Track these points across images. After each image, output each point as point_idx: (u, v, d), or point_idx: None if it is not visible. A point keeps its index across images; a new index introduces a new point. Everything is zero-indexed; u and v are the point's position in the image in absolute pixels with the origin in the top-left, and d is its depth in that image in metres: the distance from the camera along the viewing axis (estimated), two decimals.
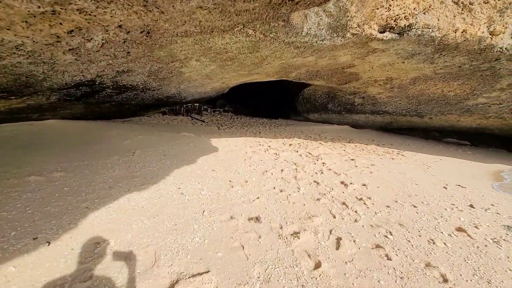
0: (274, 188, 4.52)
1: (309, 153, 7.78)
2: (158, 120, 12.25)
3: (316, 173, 5.75)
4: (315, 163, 6.62)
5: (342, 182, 5.29)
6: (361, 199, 4.39)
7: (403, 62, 7.52)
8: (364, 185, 5.24)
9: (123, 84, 5.46)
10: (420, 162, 8.05)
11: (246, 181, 4.69)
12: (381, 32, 5.99)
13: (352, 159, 7.54)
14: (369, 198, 4.46)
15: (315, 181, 5.17)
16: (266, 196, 4.11)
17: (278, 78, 9.18)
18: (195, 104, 16.68)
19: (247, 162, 6.01)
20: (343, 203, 4.13)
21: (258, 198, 4.01)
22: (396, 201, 4.44)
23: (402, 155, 9.31)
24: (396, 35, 6.03)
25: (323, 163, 6.70)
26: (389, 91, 10.10)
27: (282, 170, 5.63)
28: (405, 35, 5.97)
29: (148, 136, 7.31)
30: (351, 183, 5.22)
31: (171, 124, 11.59)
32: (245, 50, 4.87)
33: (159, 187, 4.07)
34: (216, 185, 4.36)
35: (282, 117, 16.28)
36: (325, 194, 4.47)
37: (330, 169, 6.16)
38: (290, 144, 9.34)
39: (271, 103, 17.67)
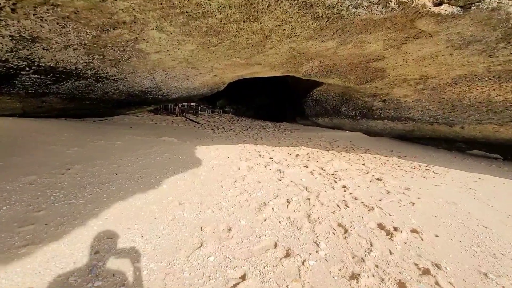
0: (276, 246, 2.54)
1: (322, 169, 5.83)
2: (145, 120, 10.37)
3: (338, 206, 3.79)
4: (333, 187, 4.66)
5: (381, 226, 3.32)
6: (427, 271, 2.41)
7: (451, 54, 5.51)
8: (416, 232, 3.28)
9: (52, 67, 3.56)
10: (459, 183, 6.13)
11: (230, 229, 2.73)
12: (437, 5, 4.03)
13: (379, 179, 5.58)
14: (438, 267, 2.50)
15: (340, 225, 3.20)
16: (259, 272, 2.14)
17: (285, 73, 7.23)
18: (192, 104, 14.80)
19: (238, 186, 4.05)
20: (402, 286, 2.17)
21: (243, 277, 2.05)
22: (486, 275, 2.46)
23: (432, 171, 7.34)
24: (459, 8, 4.05)
25: (344, 186, 4.74)
26: (419, 94, 8.08)
27: (288, 202, 3.67)
28: (472, 8, 3.99)
29: (111, 142, 5.40)
30: (395, 228, 3.26)
31: (158, 125, 9.69)
32: (236, 15, 2.95)
33: (45, 257, 2.09)
34: (172, 244, 2.40)
35: (287, 121, 14.29)
36: (363, 259, 2.50)
37: (356, 198, 4.20)
38: (297, 155, 7.39)
39: (275, 105, 15.70)
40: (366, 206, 3.92)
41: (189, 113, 14.28)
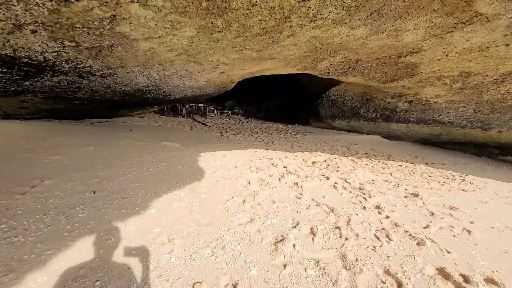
0: None
1: (346, 182, 4.90)
2: (149, 121, 9.63)
3: (377, 238, 2.85)
4: (364, 207, 3.72)
5: (443, 273, 2.39)
6: None
7: (508, 45, 4.47)
8: (494, 283, 2.33)
9: (10, 56, 2.76)
10: (505, 197, 5.17)
11: (236, 286, 1.86)
12: None
13: (414, 194, 4.63)
14: None
15: (388, 273, 2.27)
16: None
17: (301, 70, 6.32)
18: (200, 105, 14.03)
19: (247, 208, 3.16)
20: None
21: None
22: None
23: (470, 183, 6.32)
24: None
25: (378, 206, 3.80)
26: (454, 94, 7.00)
27: (313, 234, 2.75)
28: None
29: (102, 148, 4.62)
30: (464, 278, 2.33)
31: (162, 127, 8.92)
32: None
33: None
34: None
35: (300, 123, 13.31)
36: None
37: (396, 225, 3.25)
38: (314, 163, 6.47)
39: (287, 106, 14.76)
40: (413, 237, 2.97)
41: (196, 114, 13.52)
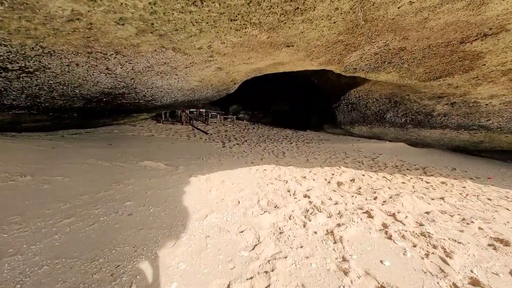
0: None
1: (397, 220, 3.34)
2: (141, 130, 8.15)
3: None
4: (454, 286, 2.12)
5: None
6: None
7: None
8: None
9: None
10: None
11: None
12: None
13: (501, 240, 3.05)
14: None
15: None
16: None
17: (323, 66, 4.76)
18: (201, 110, 12.58)
19: None
20: None
21: None
22: None
23: None
24: None
25: (473, 281, 2.20)
26: None
27: None
28: None
29: (44, 178, 3.11)
30: None
31: (155, 137, 7.43)
32: None
33: None
34: None
35: (312, 129, 11.69)
36: None
37: None
38: (340, 184, 4.96)
39: (296, 110, 13.16)
40: None
41: (198, 120, 12.05)
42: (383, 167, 6.93)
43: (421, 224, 3.33)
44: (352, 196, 4.20)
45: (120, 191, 3.10)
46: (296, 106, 13.19)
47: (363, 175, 5.88)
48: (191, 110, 11.97)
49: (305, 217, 3.07)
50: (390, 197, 4.34)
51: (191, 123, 11.01)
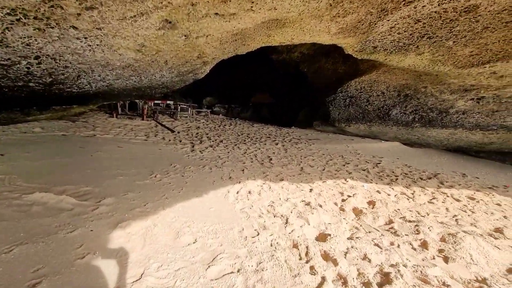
0: None
1: None
2: (82, 128, 5.92)
3: None
4: None
5: None
6: None
7: None
8: None
9: None
10: None
11: None
12: None
13: None
14: None
15: None
16: None
17: (343, 36, 3.04)
18: (168, 102, 10.39)
19: None
20: None
21: None
22: None
23: None
24: None
25: None
26: None
27: None
28: None
29: None
30: None
31: (96, 138, 5.29)
32: None
33: None
34: None
35: (298, 125, 10.04)
36: None
37: None
38: (358, 212, 3.36)
39: (281, 104, 11.40)
40: None
41: (165, 114, 9.87)
42: (393, 176, 5.50)
43: None
44: (392, 245, 2.57)
45: None
46: (280, 100, 11.45)
47: (378, 191, 4.35)
48: (155, 101, 9.74)
49: None
50: (443, 240, 2.80)
51: (155, 118, 8.84)
